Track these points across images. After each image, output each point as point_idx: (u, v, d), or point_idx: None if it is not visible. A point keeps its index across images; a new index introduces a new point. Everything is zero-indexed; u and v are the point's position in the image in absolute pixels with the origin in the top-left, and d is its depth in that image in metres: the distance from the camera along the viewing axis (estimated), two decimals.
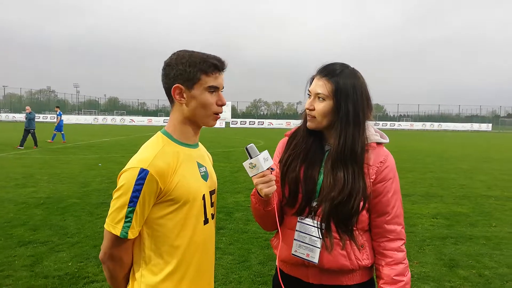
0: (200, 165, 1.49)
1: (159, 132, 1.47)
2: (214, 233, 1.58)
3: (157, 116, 64.21)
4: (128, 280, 1.42)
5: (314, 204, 1.55)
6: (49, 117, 57.59)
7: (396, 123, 64.00)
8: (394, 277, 1.51)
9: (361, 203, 1.51)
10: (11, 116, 57.98)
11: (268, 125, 55.62)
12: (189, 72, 1.35)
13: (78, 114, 71.67)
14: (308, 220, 1.56)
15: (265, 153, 1.45)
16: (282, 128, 51.84)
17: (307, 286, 1.60)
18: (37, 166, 11.26)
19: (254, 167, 1.42)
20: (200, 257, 1.45)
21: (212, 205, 1.53)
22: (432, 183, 9.93)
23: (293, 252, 1.58)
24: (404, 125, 63.59)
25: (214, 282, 3.83)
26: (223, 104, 1.45)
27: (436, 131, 50.67)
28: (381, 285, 1.53)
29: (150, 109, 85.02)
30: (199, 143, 1.58)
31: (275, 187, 1.45)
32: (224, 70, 1.43)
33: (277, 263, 1.69)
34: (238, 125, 54.46)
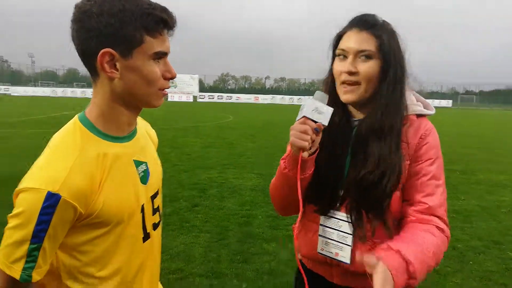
0: (138, 163, 1.12)
1: (76, 120, 1.04)
2: (159, 246, 1.25)
3: None
4: None
5: (341, 193, 1.29)
6: (2, 89, 54.10)
7: None
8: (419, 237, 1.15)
9: (394, 184, 1.21)
10: None
11: (237, 99, 55.02)
12: (125, 30, 0.94)
13: (35, 86, 67.69)
14: (335, 213, 1.31)
15: (324, 106, 1.15)
16: (250, 102, 51.56)
17: (330, 286, 1.36)
18: None
19: (301, 110, 1.16)
20: (140, 280, 1.14)
21: (154, 212, 1.19)
22: None
23: (319, 250, 1.34)
24: None
25: (192, 261, 3.70)
26: (173, 77, 1.06)
27: None
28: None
29: None
30: (138, 120, 1.19)
31: (305, 143, 1.13)
32: (174, 27, 1.03)
33: (297, 257, 1.44)
34: (206, 99, 53.48)
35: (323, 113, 1.14)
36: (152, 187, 1.17)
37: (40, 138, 11.09)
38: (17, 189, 0.93)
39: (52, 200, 0.90)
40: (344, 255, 1.28)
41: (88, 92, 53.79)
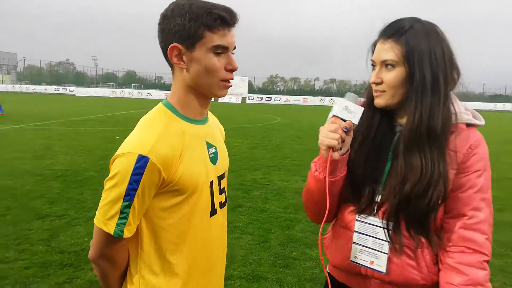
0: (209, 145, 1.26)
1: (160, 104, 1.22)
2: (224, 224, 1.37)
3: None
4: (123, 280, 1.23)
5: (379, 198, 1.25)
6: (68, 89, 58.26)
7: None
8: None
9: (441, 195, 1.17)
10: (31, 88, 58.79)
11: (285, 101, 54.88)
12: (189, 27, 1.09)
13: (96, 87, 72.24)
14: (372, 219, 1.27)
15: (354, 106, 1.18)
16: (299, 104, 51.18)
17: None
18: (55, 138, 11.28)
19: (332, 109, 1.18)
20: (207, 253, 1.26)
21: (221, 192, 1.31)
22: None
23: (352, 258, 1.30)
24: None
25: (233, 263, 3.70)
26: (234, 69, 1.17)
27: None
28: None
29: (167, 83, 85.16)
30: (209, 115, 1.34)
31: (334, 142, 1.16)
32: (235, 25, 1.14)
33: (325, 269, 1.39)
34: (255, 101, 53.90)
35: (353, 112, 1.16)
36: (219, 169, 1.30)
37: (100, 136, 11.75)
38: (114, 156, 1.09)
39: (142, 162, 1.05)
40: (379, 264, 1.24)
41: (144, 93, 56.45)
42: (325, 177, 1.20)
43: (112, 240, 1.11)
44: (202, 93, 1.20)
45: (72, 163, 7.81)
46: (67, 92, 56.87)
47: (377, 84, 1.24)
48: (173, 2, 1.13)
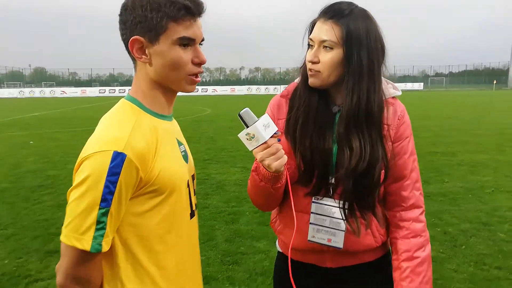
0: (179, 143, 1.19)
1: (124, 100, 1.11)
2: (197, 227, 1.28)
3: (91, 87, 60.12)
4: None
5: (333, 180, 1.31)
6: None
7: None
8: (411, 253, 1.31)
9: (383, 172, 1.28)
10: None
11: (212, 91, 54.37)
12: (151, 18, 1.01)
13: (1, 87, 64.84)
14: (328, 200, 1.33)
15: (265, 117, 1.14)
16: (227, 94, 51.10)
17: (323, 271, 1.39)
18: None
19: (253, 138, 1.12)
20: (191, 260, 1.19)
21: (194, 193, 1.24)
22: None
23: (309, 238, 1.35)
24: None
25: None
26: (202, 62, 1.10)
27: None
28: (397, 262, 1.33)
29: (83, 79, 79.79)
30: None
31: (285, 157, 1.17)
32: (202, 14, 1.08)
33: (279, 248, 1.52)
34: (181, 93, 52.49)
35: (268, 124, 1.13)
36: (191, 168, 1.23)
37: (10, 142, 10.53)
38: (78, 160, 0.96)
39: (118, 159, 0.93)
40: (337, 240, 1.33)
41: (57, 91, 52.00)
42: (272, 185, 1.24)
43: (87, 258, 0.96)
44: (169, 88, 1.11)
45: None
46: None
47: (313, 63, 1.26)
48: None
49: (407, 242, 1.32)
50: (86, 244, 0.93)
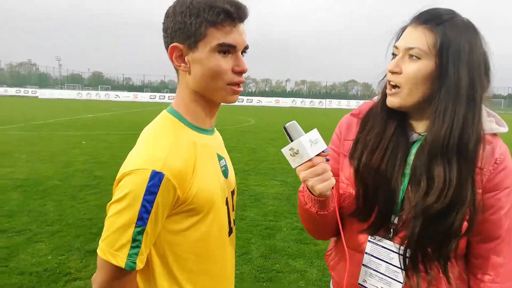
0: (220, 158, 1.15)
1: (165, 112, 1.08)
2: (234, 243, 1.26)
3: (143, 92, 62.93)
4: None
5: (395, 220, 1.11)
6: (30, 92, 55.75)
7: None
8: None
9: (466, 221, 1.04)
10: None
11: (257, 102, 54.85)
12: (190, 24, 0.97)
13: (61, 88, 69.61)
14: (387, 242, 1.13)
15: (313, 132, 1.01)
16: (271, 106, 51.33)
17: None
18: (14, 143, 10.55)
19: (297, 154, 1.00)
20: (226, 278, 1.16)
21: (233, 209, 1.20)
22: None
23: (360, 281, 1.17)
24: None
25: None
26: (243, 71, 1.03)
27: None
28: None
29: (136, 85, 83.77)
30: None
31: (333, 180, 1.01)
32: (243, 19, 1.01)
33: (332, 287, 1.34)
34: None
35: (316, 141, 1.00)
36: (231, 183, 1.19)
37: (65, 141, 11.14)
38: (118, 175, 0.95)
39: (156, 179, 0.92)
40: None
41: (112, 95, 54.86)
42: (318, 211, 1.10)
43: (122, 274, 0.96)
44: (210, 99, 1.06)
45: (33, 171, 7.26)
46: (29, 94, 54.47)
47: (393, 73, 1.07)
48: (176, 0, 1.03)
49: None
50: (120, 261, 0.93)
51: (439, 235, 1.04)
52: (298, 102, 54.58)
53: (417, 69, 1.04)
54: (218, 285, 1.12)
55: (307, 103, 54.51)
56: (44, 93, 54.15)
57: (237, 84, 1.03)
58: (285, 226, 4.76)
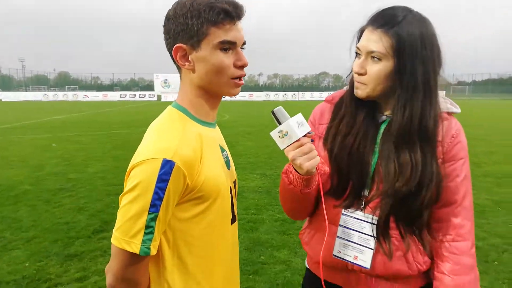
0: (222, 149, 1.22)
1: (171, 108, 1.15)
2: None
3: (112, 91, 61.31)
4: None
5: (366, 193, 1.24)
6: None
7: None
8: None
9: (434, 194, 1.17)
10: None
11: (231, 97, 54.57)
12: (192, 25, 1.04)
13: (26, 90, 66.79)
14: (359, 214, 1.25)
15: (299, 116, 1.11)
16: (245, 100, 51.25)
17: None
18: None
19: (285, 135, 1.10)
20: (229, 264, 1.21)
21: (236, 198, 1.27)
22: None
23: (335, 253, 1.28)
24: None
25: None
26: (244, 65, 1.10)
27: None
28: None
29: (105, 84, 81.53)
30: None
31: (318, 158, 1.11)
32: (241, 17, 1.08)
33: (307, 264, 1.46)
34: None
35: (302, 123, 1.10)
36: (233, 174, 1.25)
37: (34, 145, 10.74)
38: (130, 166, 1.00)
39: (167, 167, 0.97)
40: (364, 259, 1.23)
41: (80, 95, 53.20)
42: (302, 189, 1.19)
43: (136, 260, 1.01)
44: (214, 93, 1.13)
45: (3, 177, 6.97)
46: None
47: (360, 74, 1.20)
48: (176, 2, 1.09)
49: (456, 280, 1.18)
50: (135, 247, 0.97)
51: (411, 211, 1.18)
52: (272, 96, 54.72)
53: (378, 69, 1.16)
54: (226, 270, 1.17)
55: (280, 96, 54.73)
56: (8, 96, 51.83)
57: (239, 78, 1.10)
58: (267, 219, 4.80)
